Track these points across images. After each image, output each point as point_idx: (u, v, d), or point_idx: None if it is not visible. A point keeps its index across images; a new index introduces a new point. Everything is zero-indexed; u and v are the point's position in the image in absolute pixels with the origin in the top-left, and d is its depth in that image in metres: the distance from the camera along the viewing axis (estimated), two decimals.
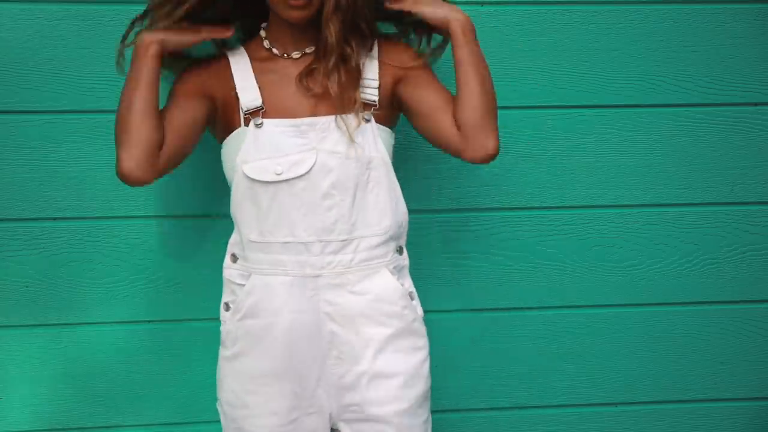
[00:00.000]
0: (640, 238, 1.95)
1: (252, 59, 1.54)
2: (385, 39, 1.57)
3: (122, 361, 1.88)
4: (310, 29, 1.49)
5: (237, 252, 1.55)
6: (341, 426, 1.55)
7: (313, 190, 1.47)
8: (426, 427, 1.56)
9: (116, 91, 1.79)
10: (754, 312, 2.00)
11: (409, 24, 1.58)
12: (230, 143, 1.52)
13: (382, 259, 1.50)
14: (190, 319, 1.88)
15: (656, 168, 1.93)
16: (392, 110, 1.56)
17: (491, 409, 1.98)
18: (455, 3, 1.57)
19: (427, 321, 1.60)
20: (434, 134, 1.54)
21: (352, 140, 1.45)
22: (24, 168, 1.81)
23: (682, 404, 2.02)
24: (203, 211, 1.86)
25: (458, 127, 1.51)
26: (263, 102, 1.50)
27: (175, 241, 1.86)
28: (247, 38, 1.60)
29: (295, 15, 1.44)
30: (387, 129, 1.54)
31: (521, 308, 1.96)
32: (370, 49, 1.51)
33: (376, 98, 1.50)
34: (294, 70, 1.51)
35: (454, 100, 1.52)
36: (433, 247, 1.89)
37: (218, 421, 1.92)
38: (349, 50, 1.46)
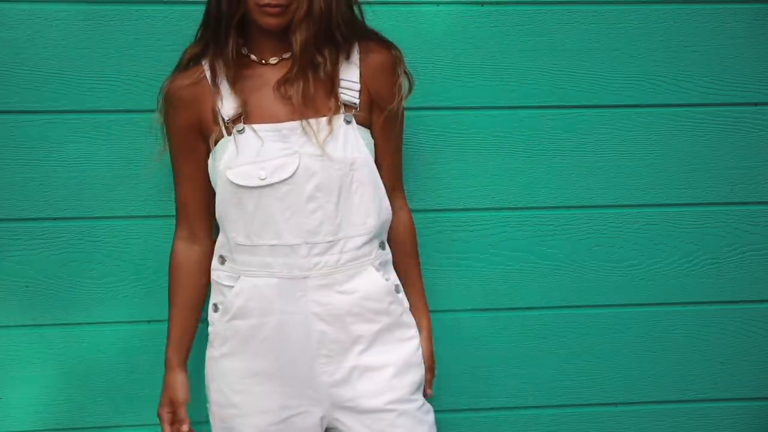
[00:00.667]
0: (640, 238, 1.95)
1: (229, 67, 1.51)
2: (366, 48, 1.53)
3: (122, 361, 1.88)
4: (289, 35, 1.48)
5: (225, 254, 1.56)
6: (337, 423, 1.55)
7: (297, 194, 1.47)
8: (423, 413, 1.57)
9: (116, 91, 1.81)
10: (754, 312, 2.00)
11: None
12: (216, 151, 1.53)
13: (367, 257, 1.52)
14: None
15: (656, 168, 1.93)
16: (371, 113, 1.56)
17: (491, 409, 1.98)
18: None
19: None
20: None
21: (320, 146, 1.45)
22: (24, 168, 1.81)
23: (682, 404, 2.02)
24: None
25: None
26: (244, 108, 1.50)
27: None
28: (224, 46, 1.53)
29: (271, 22, 1.44)
30: (368, 130, 1.54)
31: (521, 308, 1.96)
32: (348, 56, 1.51)
33: (357, 100, 1.50)
34: (272, 75, 1.51)
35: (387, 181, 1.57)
36: (432, 247, 1.89)
37: None
38: (320, 58, 1.46)
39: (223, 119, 1.51)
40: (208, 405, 1.64)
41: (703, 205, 1.96)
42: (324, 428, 1.58)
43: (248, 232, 1.50)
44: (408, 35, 1.78)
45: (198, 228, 1.62)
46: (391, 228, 1.60)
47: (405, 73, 1.55)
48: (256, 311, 1.52)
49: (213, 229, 1.65)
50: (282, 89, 1.49)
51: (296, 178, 1.46)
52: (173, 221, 1.86)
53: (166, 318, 1.89)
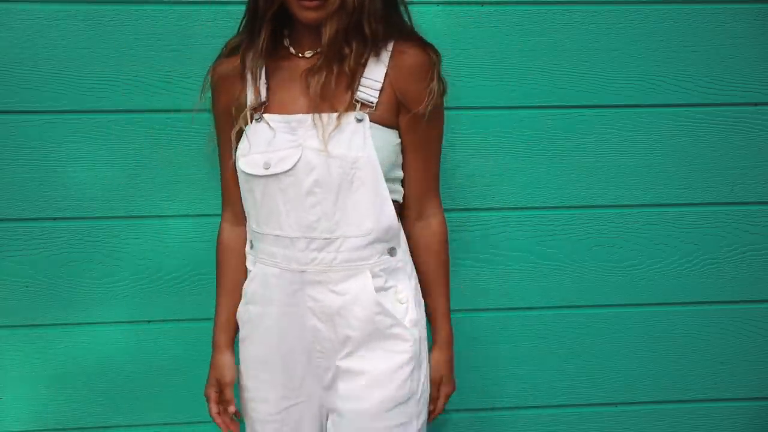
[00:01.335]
0: (640, 238, 1.96)
1: (271, 59, 1.54)
2: (400, 48, 1.49)
3: (122, 361, 1.89)
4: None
5: (251, 239, 1.60)
6: (329, 419, 1.56)
7: (297, 187, 1.47)
8: None
9: (116, 91, 1.81)
10: (754, 312, 2.01)
11: None
12: (241, 139, 1.56)
13: (365, 261, 1.49)
14: (190, 319, 1.88)
15: (656, 168, 1.93)
16: (397, 114, 1.52)
17: (491, 409, 1.98)
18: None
19: (427, 321, 1.60)
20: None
21: (323, 140, 1.45)
22: (24, 168, 1.81)
23: (682, 404, 2.02)
24: (203, 211, 1.86)
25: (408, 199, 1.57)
26: (268, 98, 1.52)
27: (175, 241, 1.86)
28: (256, 39, 1.55)
29: (310, 16, 1.44)
30: (389, 129, 1.50)
31: (521, 308, 1.96)
32: (378, 55, 1.48)
33: (375, 99, 1.48)
34: (304, 68, 1.51)
35: (413, 195, 1.56)
36: None
37: None
38: (347, 50, 1.45)
39: (246, 108, 1.52)
40: None
41: (703, 205, 1.96)
42: (325, 417, 1.57)
43: (258, 219, 1.53)
44: None
45: (240, 211, 1.61)
46: (419, 234, 1.57)
47: (439, 77, 1.51)
48: (263, 299, 1.55)
49: None
50: (306, 80, 1.49)
51: (296, 171, 1.46)
52: (173, 221, 1.87)
53: (166, 318, 1.90)
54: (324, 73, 1.46)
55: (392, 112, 1.50)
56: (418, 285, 1.57)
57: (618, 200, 1.94)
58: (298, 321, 1.52)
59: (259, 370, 1.58)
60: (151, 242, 1.86)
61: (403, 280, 1.53)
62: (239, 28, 1.59)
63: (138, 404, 1.90)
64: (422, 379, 1.53)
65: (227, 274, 1.65)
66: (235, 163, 1.54)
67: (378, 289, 1.49)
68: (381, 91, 1.48)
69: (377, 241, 1.49)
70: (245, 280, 1.60)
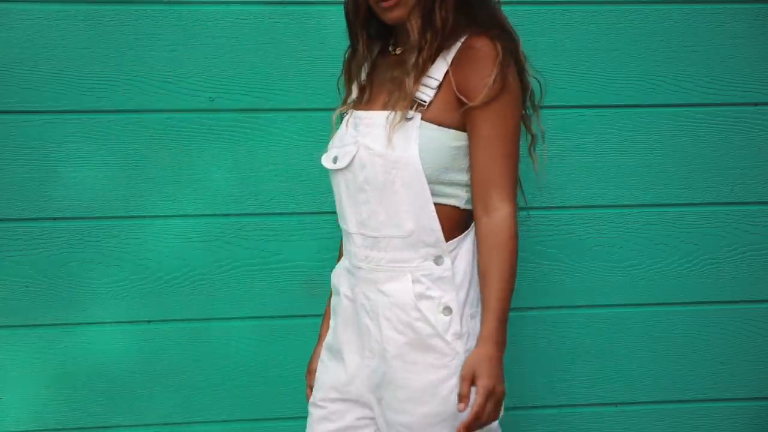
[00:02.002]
0: (640, 238, 1.95)
1: (378, 58, 1.56)
2: (469, 42, 1.43)
3: (122, 361, 1.88)
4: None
5: None
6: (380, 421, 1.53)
7: (354, 183, 1.48)
8: None
9: (116, 91, 1.81)
10: (754, 312, 2.00)
11: None
12: None
13: (407, 263, 1.46)
14: (189, 319, 1.88)
15: (656, 168, 1.93)
16: (455, 109, 1.44)
17: None
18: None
19: None
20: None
21: (373, 138, 1.45)
22: (24, 168, 1.81)
23: (682, 404, 2.02)
24: (203, 211, 1.86)
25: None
26: (364, 97, 1.54)
27: (175, 241, 1.86)
28: (356, 46, 1.57)
29: (391, 16, 1.44)
30: (446, 129, 1.43)
31: (521, 308, 1.95)
32: (449, 48, 1.44)
33: (429, 98, 1.44)
34: (393, 64, 1.51)
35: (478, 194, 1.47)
36: None
37: (218, 421, 1.93)
38: (423, 43, 1.43)
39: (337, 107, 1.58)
40: None
41: (703, 205, 1.96)
42: (374, 425, 1.54)
43: (337, 212, 1.56)
44: None
45: None
46: (482, 230, 1.45)
47: (503, 73, 1.40)
48: (335, 290, 1.59)
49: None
50: (390, 75, 1.50)
51: (352, 167, 1.47)
52: (172, 221, 1.87)
53: (166, 318, 1.90)
54: (398, 72, 1.45)
55: (451, 111, 1.44)
56: (475, 299, 1.48)
57: (618, 200, 1.94)
58: (355, 317, 1.53)
59: (324, 356, 1.60)
60: (151, 242, 1.86)
61: (449, 291, 1.45)
62: None
63: (138, 404, 1.90)
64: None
65: (336, 267, 1.66)
66: None
67: (419, 296, 1.45)
68: (439, 88, 1.44)
69: (419, 244, 1.45)
70: None
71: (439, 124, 1.43)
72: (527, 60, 1.49)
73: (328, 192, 1.55)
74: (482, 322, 1.43)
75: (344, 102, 1.57)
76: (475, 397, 1.36)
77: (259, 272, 1.89)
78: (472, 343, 1.43)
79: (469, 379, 1.37)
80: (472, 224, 1.47)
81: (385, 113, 1.44)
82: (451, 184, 1.46)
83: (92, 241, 1.85)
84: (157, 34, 1.80)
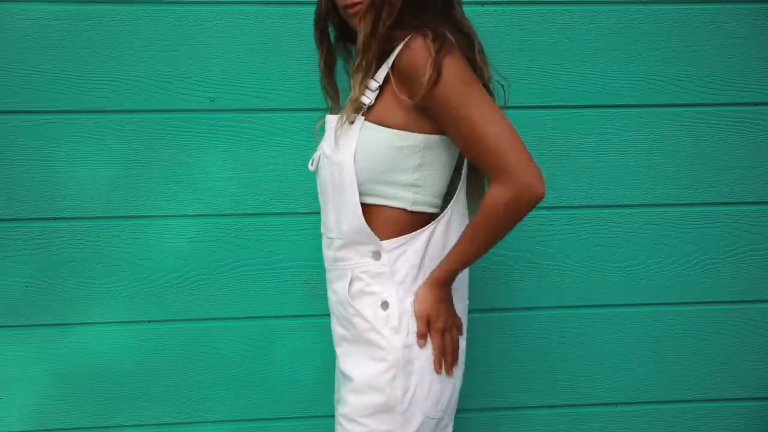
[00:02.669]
0: (640, 238, 1.95)
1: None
2: (408, 43, 1.40)
3: (122, 361, 1.89)
4: None
5: None
6: None
7: (318, 185, 1.54)
8: None
9: (116, 91, 1.81)
10: (754, 312, 2.00)
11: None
12: None
13: (347, 262, 1.49)
14: (189, 319, 1.88)
15: (656, 168, 1.93)
16: (399, 110, 1.45)
17: (491, 409, 1.98)
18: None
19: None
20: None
21: (325, 143, 1.48)
22: (24, 168, 1.81)
23: (682, 404, 2.02)
24: (203, 211, 1.86)
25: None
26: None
27: (175, 241, 1.86)
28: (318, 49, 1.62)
29: (354, 22, 1.46)
30: (388, 129, 1.44)
31: (521, 308, 1.96)
32: (392, 51, 1.43)
33: (369, 101, 1.44)
34: None
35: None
36: None
37: (218, 421, 1.93)
38: (367, 46, 1.43)
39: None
40: None
41: (703, 205, 1.96)
42: None
43: None
44: None
45: None
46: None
47: (436, 66, 1.37)
48: None
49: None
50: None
51: (318, 170, 1.53)
52: (172, 221, 1.87)
53: (166, 318, 1.90)
54: (360, 74, 1.45)
55: (394, 111, 1.44)
56: (416, 293, 1.48)
57: (618, 200, 1.94)
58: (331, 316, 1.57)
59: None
60: (151, 242, 1.86)
61: (388, 286, 1.47)
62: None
63: (138, 404, 1.90)
64: (411, 390, 1.45)
65: None
66: None
67: (359, 293, 1.47)
68: (381, 90, 1.45)
69: (355, 243, 1.47)
70: None
71: (382, 125, 1.44)
72: (489, 63, 1.48)
73: None
74: (437, 266, 1.47)
75: (329, 111, 1.61)
76: (432, 339, 1.47)
77: (259, 272, 1.89)
78: (412, 339, 1.46)
79: (423, 318, 1.46)
80: (429, 228, 1.47)
81: (332, 117, 1.49)
82: (394, 184, 1.45)
83: (92, 241, 1.85)
84: (157, 34, 1.80)
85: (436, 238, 1.48)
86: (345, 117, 1.45)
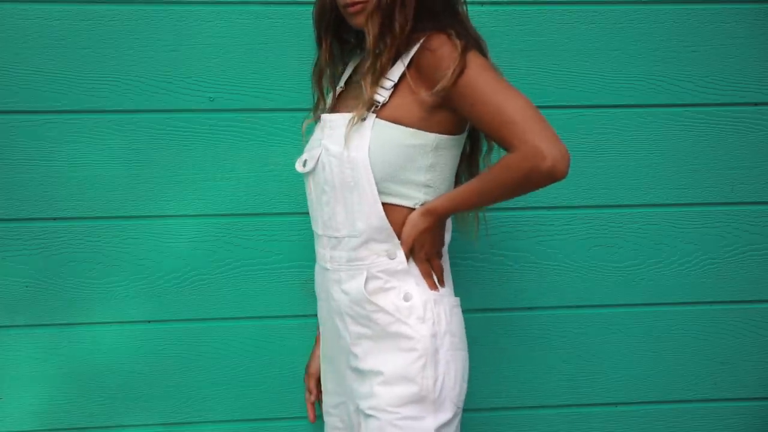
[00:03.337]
0: (640, 238, 1.95)
1: (359, 63, 1.60)
2: (424, 44, 1.43)
3: (122, 361, 1.89)
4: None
5: None
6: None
7: (318, 185, 1.51)
8: (421, 427, 1.46)
9: (116, 91, 1.81)
10: (754, 312, 2.00)
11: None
12: None
13: (362, 261, 1.49)
14: (189, 319, 1.88)
15: (656, 168, 1.93)
16: (413, 107, 1.46)
17: (491, 409, 1.98)
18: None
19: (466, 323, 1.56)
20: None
21: (331, 141, 1.47)
22: (24, 168, 1.81)
23: (682, 404, 2.02)
24: (203, 211, 1.86)
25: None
26: (333, 100, 1.58)
27: (175, 241, 1.86)
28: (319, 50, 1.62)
29: (355, 21, 1.46)
30: (402, 127, 1.45)
31: (521, 308, 1.96)
32: (408, 50, 1.44)
33: (383, 99, 1.45)
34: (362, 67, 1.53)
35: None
36: None
37: (218, 421, 1.93)
38: (382, 47, 1.44)
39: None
40: None
41: (703, 205, 1.96)
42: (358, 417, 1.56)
43: (309, 215, 1.59)
44: None
45: None
46: None
47: (460, 63, 1.40)
48: (316, 295, 1.63)
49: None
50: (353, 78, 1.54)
51: (317, 170, 1.50)
52: (173, 221, 1.87)
53: (166, 318, 1.90)
54: (371, 75, 1.46)
55: (407, 110, 1.45)
56: (439, 286, 1.51)
57: (618, 200, 1.94)
58: (331, 318, 1.55)
59: (323, 362, 1.64)
60: (151, 242, 1.86)
61: (408, 280, 1.49)
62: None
63: (138, 404, 1.90)
64: (440, 379, 1.46)
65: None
66: None
67: (378, 290, 1.48)
68: (395, 89, 1.45)
69: (371, 242, 1.48)
70: None
71: (396, 122, 1.45)
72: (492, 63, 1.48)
73: None
74: (437, 198, 1.49)
75: (314, 110, 1.61)
76: (416, 264, 1.50)
77: (259, 272, 1.89)
78: (438, 327, 1.47)
79: (408, 244, 1.48)
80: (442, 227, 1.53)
81: (346, 115, 1.46)
82: (407, 183, 1.47)
83: (92, 241, 1.85)
84: (157, 34, 1.80)
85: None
86: (356, 116, 1.44)
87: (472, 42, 1.46)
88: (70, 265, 1.85)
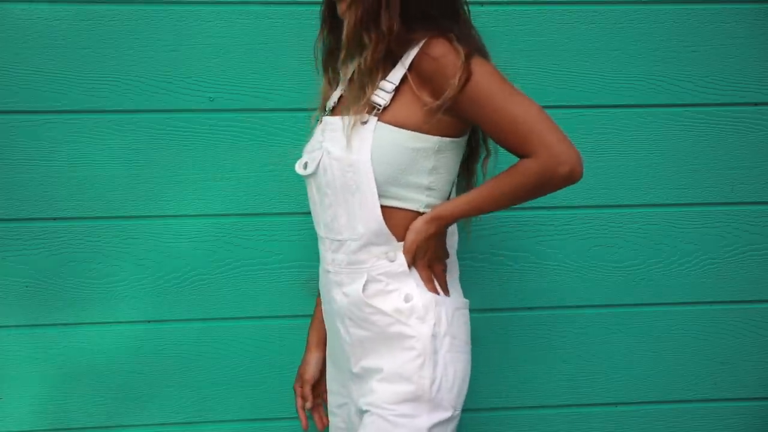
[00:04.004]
0: (640, 238, 1.95)
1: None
2: (425, 49, 1.42)
3: (122, 361, 1.88)
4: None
5: None
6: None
7: (320, 188, 1.50)
8: (398, 421, 1.45)
9: (116, 91, 1.81)
10: (754, 312, 2.00)
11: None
12: None
13: (363, 265, 1.48)
14: (189, 319, 1.88)
15: (656, 168, 1.93)
16: (415, 111, 1.45)
17: (491, 409, 1.98)
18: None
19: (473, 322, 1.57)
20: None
21: (332, 143, 1.46)
22: (24, 168, 1.81)
23: (682, 404, 2.02)
24: (203, 211, 1.86)
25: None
26: (337, 99, 1.57)
27: (175, 241, 1.86)
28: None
29: (339, 8, 1.45)
30: (403, 131, 1.44)
31: (521, 308, 1.96)
32: (405, 52, 1.44)
33: (384, 102, 1.44)
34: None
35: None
36: None
37: (218, 421, 1.93)
38: (366, 42, 1.42)
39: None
40: None
41: (703, 205, 1.96)
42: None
43: (312, 217, 1.58)
44: None
45: None
46: None
47: (464, 71, 1.40)
48: (321, 296, 1.62)
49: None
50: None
51: (318, 172, 1.50)
52: (172, 221, 1.87)
53: (166, 318, 1.90)
54: (351, 74, 1.45)
55: (410, 112, 1.44)
56: (441, 286, 1.51)
57: (618, 200, 1.94)
58: (334, 320, 1.55)
59: (329, 362, 1.64)
60: (151, 242, 1.86)
61: (408, 282, 1.48)
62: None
63: (138, 404, 1.90)
64: (437, 380, 1.45)
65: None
66: None
67: (379, 293, 1.47)
68: (396, 92, 1.44)
69: (371, 246, 1.48)
70: None
71: (397, 125, 1.44)
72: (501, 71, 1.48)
73: None
74: (442, 204, 1.48)
75: (322, 95, 1.61)
76: (417, 271, 1.49)
77: (259, 272, 1.89)
78: (439, 328, 1.47)
79: (411, 252, 1.47)
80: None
81: (346, 118, 1.46)
82: (409, 186, 1.46)
83: (92, 241, 1.85)
84: (157, 34, 1.80)
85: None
86: (356, 118, 1.44)
87: (474, 46, 1.45)
88: (70, 265, 1.85)
